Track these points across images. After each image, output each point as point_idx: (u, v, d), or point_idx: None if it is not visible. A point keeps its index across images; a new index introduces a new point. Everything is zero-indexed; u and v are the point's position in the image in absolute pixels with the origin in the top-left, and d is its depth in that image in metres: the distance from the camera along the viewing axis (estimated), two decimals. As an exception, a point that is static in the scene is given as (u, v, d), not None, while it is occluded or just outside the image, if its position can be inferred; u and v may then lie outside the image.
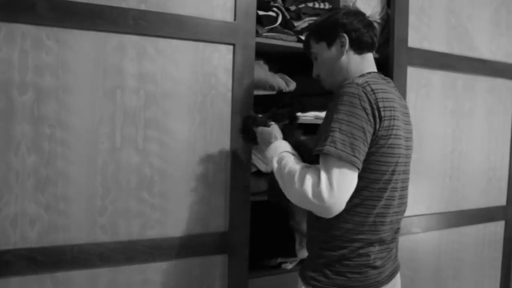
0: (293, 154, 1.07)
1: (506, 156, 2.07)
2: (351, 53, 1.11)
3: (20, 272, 1.14)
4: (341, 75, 1.12)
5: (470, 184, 1.95)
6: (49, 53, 1.15)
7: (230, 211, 1.38)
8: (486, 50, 1.94)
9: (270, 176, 1.39)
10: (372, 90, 0.97)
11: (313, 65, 1.20)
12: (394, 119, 1.00)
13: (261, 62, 1.57)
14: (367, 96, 0.95)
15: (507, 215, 2.08)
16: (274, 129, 1.18)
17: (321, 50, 1.15)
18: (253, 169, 1.54)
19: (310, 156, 1.04)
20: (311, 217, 1.09)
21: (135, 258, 1.26)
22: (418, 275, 1.82)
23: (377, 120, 0.96)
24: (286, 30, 1.53)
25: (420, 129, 1.76)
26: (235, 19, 1.36)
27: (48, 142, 1.15)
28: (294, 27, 1.55)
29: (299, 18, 1.57)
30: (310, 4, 1.59)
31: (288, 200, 1.03)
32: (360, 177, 0.97)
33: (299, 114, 1.58)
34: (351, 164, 0.92)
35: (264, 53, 1.54)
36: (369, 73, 1.10)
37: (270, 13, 1.49)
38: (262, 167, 1.55)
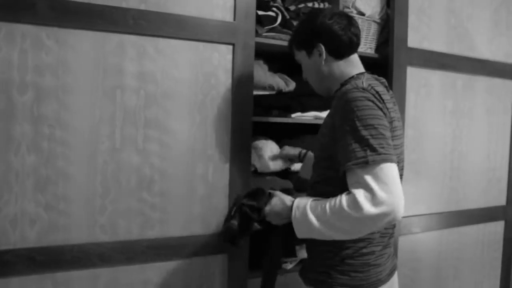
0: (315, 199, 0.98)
1: (506, 156, 2.07)
2: (331, 60, 1.10)
3: (20, 272, 1.14)
4: (327, 81, 1.12)
5: (470, 184, 1.95)
6: (49, 53, 1.15)
7: (230, 211, 1.38)
8: (486, 50, 1.94)
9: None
10: (377, 92, 0.97)
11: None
12: (395, 120, 1.01)
13: (261, 62, 1.57)
14: (375, 98, 0.95)
15: (507, 215, 2.08)
16: (276, 199, 1.05)
17: (302, 58, 1.16)
18: (253, 169, 1.54)
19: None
20: None
21: (135, 258, 1.26)
22: (418, 274, 1.82)
23: (389, 120, 0.98)
24: (285, 30, 1.53)
25: (420, 129, 1.76)
26: (234, 19, 1.36)
27: (48, 142, 1.15)
28: (294, 27, 1.55)
29: (298, 18, 1.57)
30: (310, 4, 1.59)
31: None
32: None
33: (298, 114, 1.58)
34: (393, 162, 0.90)
35: (263, 53, 1.55)
36: (362, 74, 1.09)
37: (270, 13, 1.49)
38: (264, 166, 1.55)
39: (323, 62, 1.10)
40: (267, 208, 1.05)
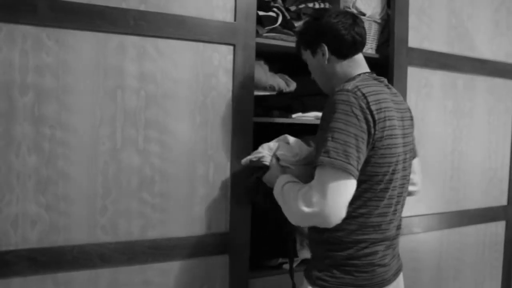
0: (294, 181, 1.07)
1: (507, 156, 2.07)
2: (335, 60, 1.10)
3: (21, 273, 1.14)
4: (331, 80, 1.13)
5: (471, 184, 1.94)
6: (50, 54, 1.15)
7: (231, 212, 1.38)
8: (486, 50, 1.94)
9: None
10: (363, 94, 0.96)
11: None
12: (388, 119, 0.99)
13: (262, 62, 1.57)
14: (358, 102, 0.94)
15: (508, 215, 2.08)
16: (273, 169, 1.19)
17: (308, 57, 1.17)
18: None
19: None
20: None
21: (136, 258, 1.26)
22: (419, 275, 1.81)
23: (371, 124, 0.95)
24: (286, 31, 1.53)
25: (420, 129, 1.76)
26: (235, 20, 1.36)
27: (49, 143, 1.16)
28: (294, 27, 1.55)
29: (299, 18, 1.57)
30: (310, 5, 1.59)
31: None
32: (362, 181, 0.97)
33: (299, 114, 1.58)
34: (345, 171, 0.91)
35: (264, 53, 1.54)
36: (359, 75, 1.08)
37: (270, 13, 1.49)
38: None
39: (326, 62, 1.10)
40: (267, 174, 1.20)
